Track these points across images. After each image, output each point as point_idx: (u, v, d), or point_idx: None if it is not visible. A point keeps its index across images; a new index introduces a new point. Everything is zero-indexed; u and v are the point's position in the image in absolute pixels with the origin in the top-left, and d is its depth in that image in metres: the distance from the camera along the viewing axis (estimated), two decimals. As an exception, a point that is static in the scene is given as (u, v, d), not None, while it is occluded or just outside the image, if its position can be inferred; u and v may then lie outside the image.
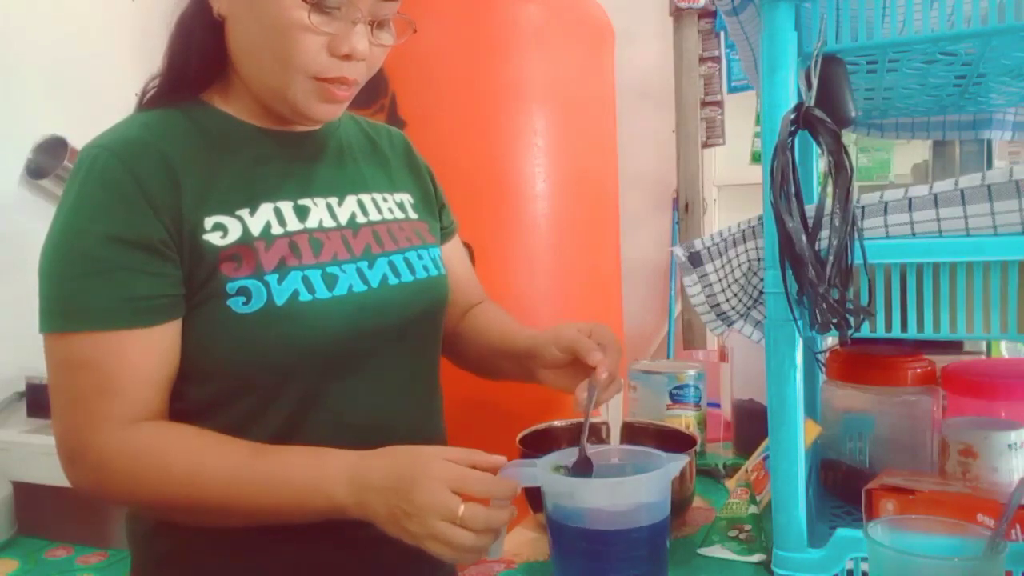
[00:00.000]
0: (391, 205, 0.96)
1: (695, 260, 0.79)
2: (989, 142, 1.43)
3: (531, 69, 1.67)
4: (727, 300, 0.80)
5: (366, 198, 0.93)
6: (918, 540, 0.59)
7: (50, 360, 0.79)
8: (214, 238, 0.79)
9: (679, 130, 2.79)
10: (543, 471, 0.74)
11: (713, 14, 2.69)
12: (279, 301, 0.79)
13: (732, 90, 2.74)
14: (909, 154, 2.51)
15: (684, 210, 2.80)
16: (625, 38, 2.11)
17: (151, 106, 0.87)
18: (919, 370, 0.93)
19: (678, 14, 2.75)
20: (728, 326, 0.83)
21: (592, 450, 0.80)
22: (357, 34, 0.80)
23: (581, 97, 1.78)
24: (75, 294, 0.76)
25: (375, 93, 1.63)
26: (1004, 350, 1.25)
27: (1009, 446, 0.82)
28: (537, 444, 1.02)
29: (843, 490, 0.93)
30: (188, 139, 0.84)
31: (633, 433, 1.07)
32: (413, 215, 0.98)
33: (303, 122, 0.89)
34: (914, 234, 0.65)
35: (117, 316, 0.76)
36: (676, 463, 0.74)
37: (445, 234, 1.07)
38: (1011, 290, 0.63)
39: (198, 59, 0.86)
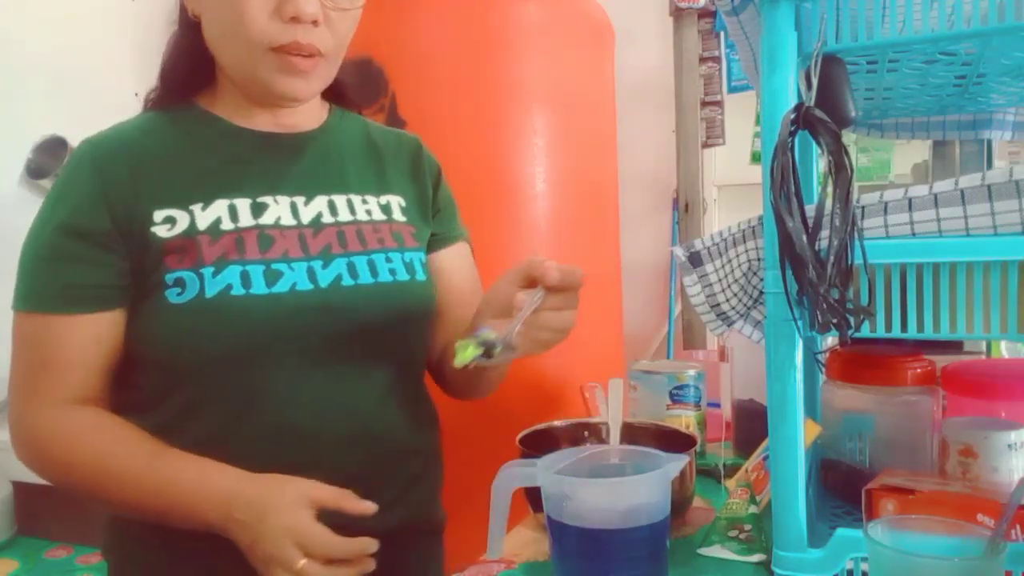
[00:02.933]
0: (371, 207, 0.94)
1: (695, 260, 0.79)
2: (989, 142, 1.43)
3: (531, 69, 1.67)
4: (727, 300, 0.80)
5: (340, 198, 0.92)
6: (918, 540, 0.59)
7: (12, 337, 0.85)
8: (161, 230, 0.82)
9: (679, 130, 2.79)
10: (543, 471, 0.74)
11: (713, 14, 2.69)
12: (209, 293, 0.80)
13: (732, 90, 2.74)
14: (909, 154, 2.51)
15: (684, 210, 2.79)
16: (625, 38, 2.11)
17: (148, 110, 0.92)
18: (919, 370, 0.93)
19: (678, 14, 2.75)
20: (728, 326, 0.83)
21: (592, 450, 0.80)
22: None
23: (581, 97, 1.78)
24: (27, 277, 0.83)
25: (375, 93, 1.63)
26: (1004, 350, 1.25)
27: (1009, 446, 0.82)
28: (537, 444, 1.02)
29: (843, 490, 0.93)
30: (163, 136, 0.87)
31: (633, 433, 1.07)
32: (399, 217, 0.96)
33: (279, 102, 0.89)
34: (914, 234, 0.65)
35: (54, 301, 0.81)
36: (676, 463, 0.74)
37: (439, 240, 1.02)
38: (1011, 290, 0.63)
39: (182, 62, 0.90)
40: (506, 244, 1.64)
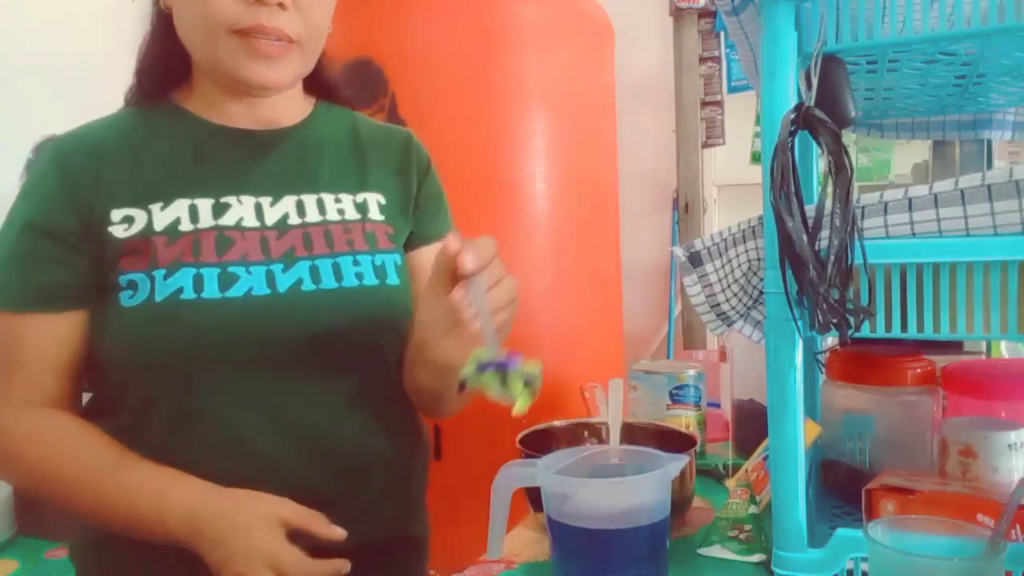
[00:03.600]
0: (345, 205, 0.89)
1: (695, 260, 0.79)
2: (989, 142, 1.43)
3: (531, 69, 1.67)
4: (727, 300, 0.80)
5: (310, 198, 0.88)
6: (918, 540, 0.59)
7: None
8: (118, 230, 0.80)
9: (679, 130, 2.79)
10: (543, 471, 0.74)
11: (713, 14, 2.69)
12: (159, 297, 0.78)
13: (732, 90, 2.74)
14: (909, 154, 2.51)
15: (684, 210, 2.80)
16: (625, 38, 2.12)
17: (125, 107, 0.90)
18: (919, 370, 0.93)
19: (678, 14, 2.75)
20: (728, 326, 0.83)
21: (592, 450, 0.80)
22: None
23: (581, 97, 1.78)
24: None
25: (375, 93, 1.63)
26: (1004, 350, 1.25)
27: (1009, 446, 0.82)
28: (537, 444, 1.02)
29: (843, 490, 0.93)
30: (130, 133, 0.86)
31: (633, 433, 1.07)
32: (376, 216, 0.91)
33: (249, 91, 0.85)
34: (914, 234, 0.65)
35: (19, 300, 0.80)
36: (676, 463, 0.74)
37: (419, 238, 0.96)
38: (1011, 290, 0.63)
39: (156, 57, 0.88)
40: (506, 244, 1.64)
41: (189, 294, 0.78)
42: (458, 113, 1.62)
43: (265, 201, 0.86)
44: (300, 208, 0.87)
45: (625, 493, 0.72)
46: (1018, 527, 0.71)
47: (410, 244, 0.96)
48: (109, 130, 0.86)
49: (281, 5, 0.79)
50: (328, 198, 0.89)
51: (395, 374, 0.92)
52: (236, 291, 0.80)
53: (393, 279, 0.89)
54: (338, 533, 0.76)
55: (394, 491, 0.91)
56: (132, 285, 0.78)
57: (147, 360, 0.79)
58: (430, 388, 0.88)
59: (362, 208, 0.91)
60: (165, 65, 0.89)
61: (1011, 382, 0.94)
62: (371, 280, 0.86)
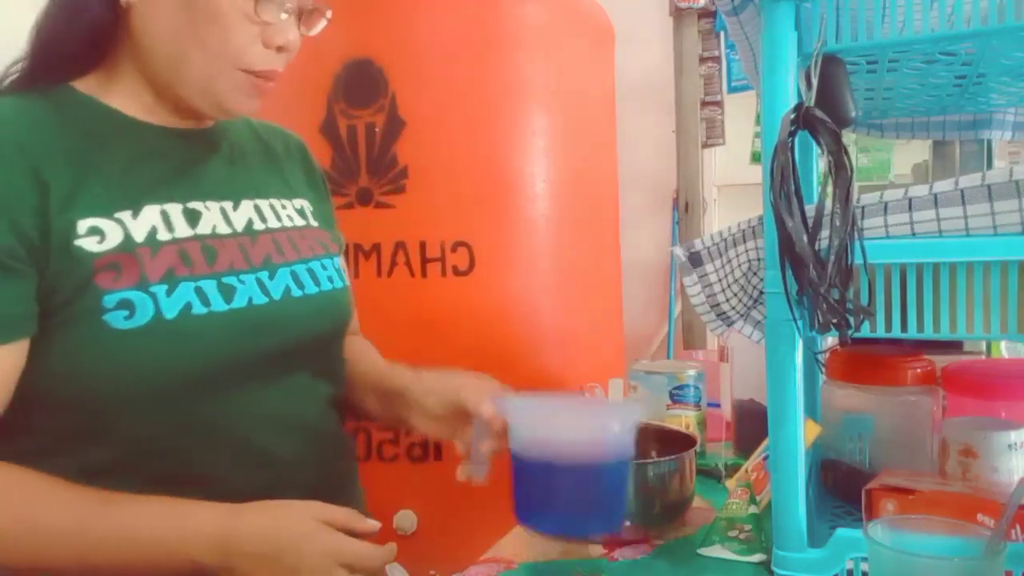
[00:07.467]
0: (290, 212, 0.89)
1: (695, 260, 0.79)
2: (989, 142, 1.43)
3: (531, 69, 1.67)
4: (727, 300, 0.80)
5: (263, 203, 0.86)
6: (918, 540, 0.59)
7: None
8: (89, 243, 0.70)
9: (679, 130, 2.79)
10: (511, 403, 0.77)
11: (713, 14, 2.70)
12: (169, 315, 0.72)
13: (732, 90, 2.75)
14: (909, 154, 2.51)
15: (684, 210, 2.80)
16: (625, 38, 2.11)
17: (12, 92, 0.78)
18: (919, 370, 0.93)
19: (678, 14, 2.75)
20: (728, 326, 0.83)
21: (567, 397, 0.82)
22: (289, 25, 0.77)
23: (581, 97, 1.78)
24: None
25: (375, 93, 1.63)
26: (1004, 350, 1.25)
27: (1009, 446, 0.82)
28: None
29: (843, 490, 0.93)
30: (54, 132, 0.74)
31: (633, 433, 1.07)
32: (313, 223, 0.92)
33: (217, 116, 0.83)
34: (914, 234, 0.65)
35: None
36: (643, 407, 0.75)
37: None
38: (1011, 290, 0.63)
39: (81, 42, 0.77)
40: (506, 244, 1.64)
41: (199, 309, 0.74)
42: (458, 113, 1.62)
43: (227, 206, 0.83)
44: (259, 213, 0.85)
45: (587, 419, 0.74)
46: (1018, 527, 0.71)
47: None
48: (20, 126, 0.73)
49: (293, 51, 0.79)
50: (275, 203, 0.88)
51: None
52: (239, 302, 0.77)
53: (347, 280, 0.94)
54: (375, 525, 0.74)
55: (353, 476, 0.95)
56: (126, 305, 0.70)
57: (157, 383, 0.72)
58: (367, 411, 0.97)
59: (302, 215, 0.92)
60: (87, 53, 0.78)
61: (1011, 382, 0.94)
62: (338, 283, 0.90)
